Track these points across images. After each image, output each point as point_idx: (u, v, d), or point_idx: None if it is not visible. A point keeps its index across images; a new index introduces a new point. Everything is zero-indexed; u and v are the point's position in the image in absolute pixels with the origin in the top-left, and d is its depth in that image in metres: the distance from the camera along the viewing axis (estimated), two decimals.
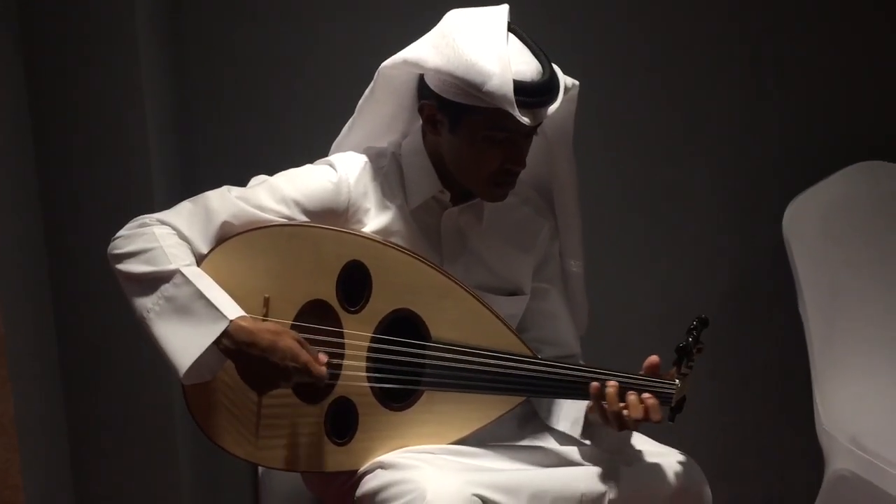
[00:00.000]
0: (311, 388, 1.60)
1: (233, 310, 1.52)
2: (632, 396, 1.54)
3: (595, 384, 1.56)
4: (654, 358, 1.59)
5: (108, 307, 2.07)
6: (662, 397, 1.58)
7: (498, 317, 1.63)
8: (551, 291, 1.80)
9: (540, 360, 1.62)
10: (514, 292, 1.75)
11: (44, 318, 2.11)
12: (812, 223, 2.34)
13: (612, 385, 1.55)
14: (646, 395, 1.54)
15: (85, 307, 2.14)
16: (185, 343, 1.51)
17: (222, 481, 2.41)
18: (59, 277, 2.13)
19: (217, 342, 1.50)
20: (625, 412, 1.53)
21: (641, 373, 1.59)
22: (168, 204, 1.67)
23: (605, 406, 1.55)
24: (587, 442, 1.65)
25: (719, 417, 2.61)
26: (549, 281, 1.80)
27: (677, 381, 1.59)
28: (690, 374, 1.61)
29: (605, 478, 1.59)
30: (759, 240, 2.52)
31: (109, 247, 1.60)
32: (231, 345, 1.51)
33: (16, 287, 1.96)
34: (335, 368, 1.61)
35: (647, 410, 1.53)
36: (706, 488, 1.66)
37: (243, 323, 1.51)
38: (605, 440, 1.64)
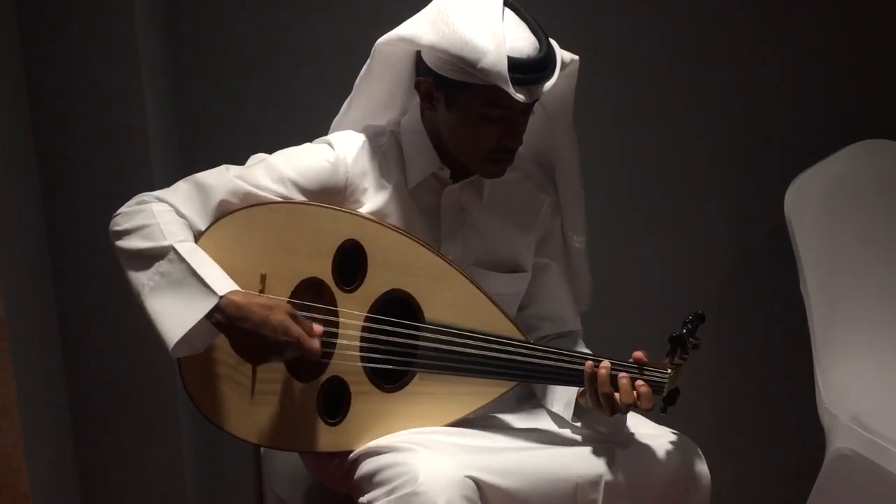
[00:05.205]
0: (305, 365, 1.60)
1: (224, 285, 1.53)
2: (624, 381, 1.54)
3: (589, 363, 1.55)
4: (638, 354, 1.58)
5: (110, 291, 2.07)
6: (653, 385, 1.57)
7: (492, 300, 1.62)
8: (552, 267, 1.79)
9: (533, 345, 1.61)
10: (514, 269, 1.75)
11: (45, 302, 2.12)
12: (814, 202, 2.32)
13: (604, 366, 1.55)
14: (639, 382, 1.54)
15: (86, 291, 2.14)
16: (175, 317, 1.52)
17: (225, 462, 2.42)
18: (61, 262, 2.13)
19: (209, 316, 1.51)
20: (616, 396, 1.53)
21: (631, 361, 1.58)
22: (167, 184, 1.67)
23: (597, 388, 1.54)
24: (578, 424, 1.65)
25: (719, 396, 2.60)
26: (549, 256, 1.79)
27: (669, 370, 1.58)
28: (685, 367, 1.60)
29: (601, 460, 1.59)
30: (761, 219, 2.51)
31: (110, 224, 1.62)
32: (223, 319, 1.51)
33: (17, 272, 1.95)
34: (329, 347, 1.61)
35: (638, 397, 1.53)
36: (704, 468, 1.65)
37: (235, 297, 1.52)
38: (601, 423, 1.63)
